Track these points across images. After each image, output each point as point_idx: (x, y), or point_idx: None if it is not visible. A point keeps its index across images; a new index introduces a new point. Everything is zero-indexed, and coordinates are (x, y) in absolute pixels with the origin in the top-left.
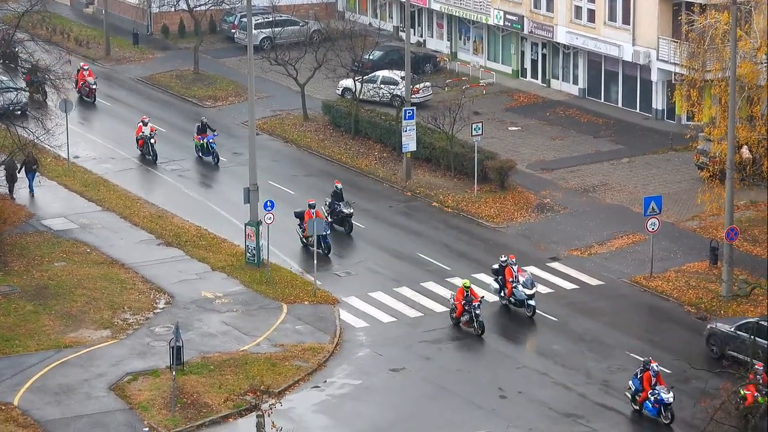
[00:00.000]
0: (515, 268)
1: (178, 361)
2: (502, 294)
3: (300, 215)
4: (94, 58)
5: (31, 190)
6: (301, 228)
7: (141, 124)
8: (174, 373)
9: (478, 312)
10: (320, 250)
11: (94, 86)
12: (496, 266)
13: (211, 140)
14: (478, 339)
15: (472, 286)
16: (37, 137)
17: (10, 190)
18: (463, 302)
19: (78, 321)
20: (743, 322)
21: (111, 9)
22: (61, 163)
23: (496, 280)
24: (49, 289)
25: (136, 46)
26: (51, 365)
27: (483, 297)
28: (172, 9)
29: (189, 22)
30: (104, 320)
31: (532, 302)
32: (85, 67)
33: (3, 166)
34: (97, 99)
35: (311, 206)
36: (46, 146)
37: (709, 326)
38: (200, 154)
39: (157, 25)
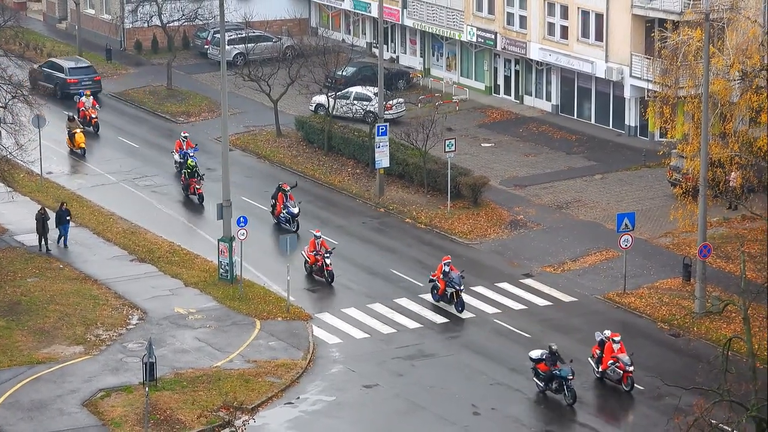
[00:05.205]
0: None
1: (151, 377)
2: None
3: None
4: None
5: (65, 244)
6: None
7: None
8: (147, 389)
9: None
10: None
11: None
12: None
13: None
14: (451, 355)
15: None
16: (9, 152)
17: (41, 243)
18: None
19: (51, 337)
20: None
21: (84, 25)
22: (34, 178)
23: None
24: (22, 304)
25: (109, 61)
26: (24, 381)
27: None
28: (146, 25)
29: (162, 37)
30: (77, 336)
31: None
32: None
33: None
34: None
35: None
36: (19, 162)
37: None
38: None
39: (131, 41)
